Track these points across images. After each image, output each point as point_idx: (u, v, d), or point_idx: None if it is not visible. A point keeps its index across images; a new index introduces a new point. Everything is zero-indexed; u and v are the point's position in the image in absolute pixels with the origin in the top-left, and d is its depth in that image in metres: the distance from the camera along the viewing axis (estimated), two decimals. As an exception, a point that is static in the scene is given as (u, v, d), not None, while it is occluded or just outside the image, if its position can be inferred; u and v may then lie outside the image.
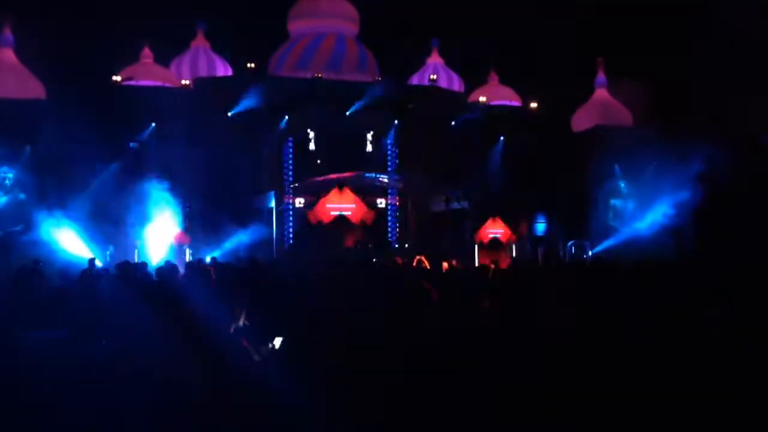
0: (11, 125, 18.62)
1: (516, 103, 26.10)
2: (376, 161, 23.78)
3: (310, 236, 22.04)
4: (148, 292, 10.10)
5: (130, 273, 11.77)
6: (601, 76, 26.13)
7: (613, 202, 23.69)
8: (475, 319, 6.47)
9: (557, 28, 24.94)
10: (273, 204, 22.42)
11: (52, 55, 20.46)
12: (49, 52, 20.63)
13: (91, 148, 18.02)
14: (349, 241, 22.44)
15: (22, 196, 19.38)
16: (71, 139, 17.68)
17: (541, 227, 23.98)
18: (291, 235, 22.57)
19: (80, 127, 17.66)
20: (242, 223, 19.85)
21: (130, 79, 21.78)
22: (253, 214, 21.39)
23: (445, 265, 14.52)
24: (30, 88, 20.58)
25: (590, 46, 25.00)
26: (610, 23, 24.42)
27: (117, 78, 21.55)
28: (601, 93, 26.09)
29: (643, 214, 21.89)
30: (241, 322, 7.78)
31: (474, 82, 26.48)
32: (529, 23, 24.56)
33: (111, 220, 19.05)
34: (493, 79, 26.62)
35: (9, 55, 21.38)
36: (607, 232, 22.62)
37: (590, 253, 21.62)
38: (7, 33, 21.45)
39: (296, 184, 22.86)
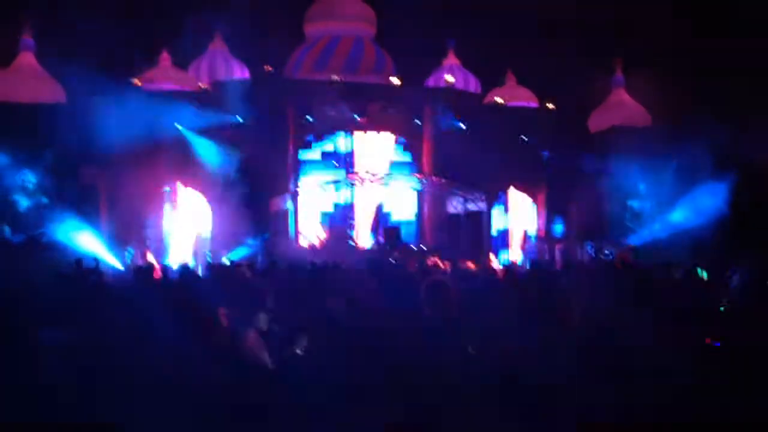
0: (32, 129, 18.84)
1: (533, 103, 26.03)
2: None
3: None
4: (164, 296, 10.14)
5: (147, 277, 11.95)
6: (618, 76, 26.03)
7: (630, 203, 23.58)
8: None
9: (575, 27, 24.86)
10: (290, 206, 22.53)
11: (72, 58, 20.64)
12: (68, 56, 20.81)
13: (111, 150, 18.22)
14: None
15: (43, 199, 19.59)
16: (91, 142, 17.90)
17: (558, 228, 23.93)
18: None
19: (100, 130, 17.89)
20: (261, 224, 19.99)
21: (149, 82, 21.95)
22: (272, 215, 21.50)
23: None
24: (50, 92, 20.81)
25: (608, 45, 24.89)
26: (627, 22, 24.30)
27: (136, 81, 21.72)
28: (618, 93, 25.98)
29: (662, 215, 21.75)
30: (263, 326, 7.84)
31: (491, 82, 26.42)
32: (546, 23, 24.50)
33: (132, 222, 19.27)
34: (510, 79, 26.55)
35: (30, 59, 21.64)
36: (626, 233, 22.52)
37: (607, 253, 21.50)
38: (28, 37, 21.72)
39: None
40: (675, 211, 21.08)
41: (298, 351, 5.84)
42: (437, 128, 23.60)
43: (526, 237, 24.42)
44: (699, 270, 8.91)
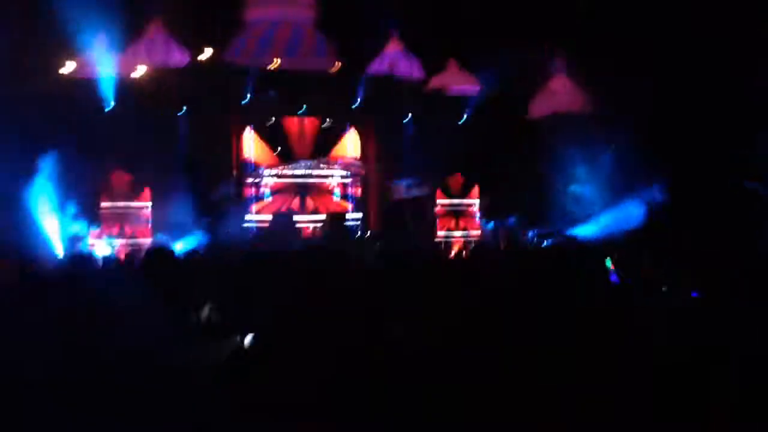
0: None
1: (475, 89, 26.15)
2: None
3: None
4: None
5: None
6: (557, 62, 26.29)
7: (572, 188, 23.98)
8: None
9: (517, 11, 25.02)
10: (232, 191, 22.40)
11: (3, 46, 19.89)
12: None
13: (41, 142, 17.76)
14: (307, 230, 22.60)
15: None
16: (23, 134, 17.36)
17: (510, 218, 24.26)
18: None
19: (32, 120, 17.37)
20: (203, 212, 19.79)
21: (81, 67, 21.30)
22: (214, 203, 21.26)
23: None
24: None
25: (549, 30, 25.09)
26: (569, 6, 24.54)
27: (67, 68, 21.04)
28: (558, 79, 26.26)
29: (602, 203, 22.13)
30: (204, 316, 7.69)
31: (433, 68, 26.39)
32: (489, 7, 24.59)
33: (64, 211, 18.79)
34: (452, 65, 26.58)
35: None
36: (568, 219, 22.88)
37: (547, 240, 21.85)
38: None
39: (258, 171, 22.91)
40: (612, 200, 21.38)
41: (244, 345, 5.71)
42: (379, 115, 23.68)
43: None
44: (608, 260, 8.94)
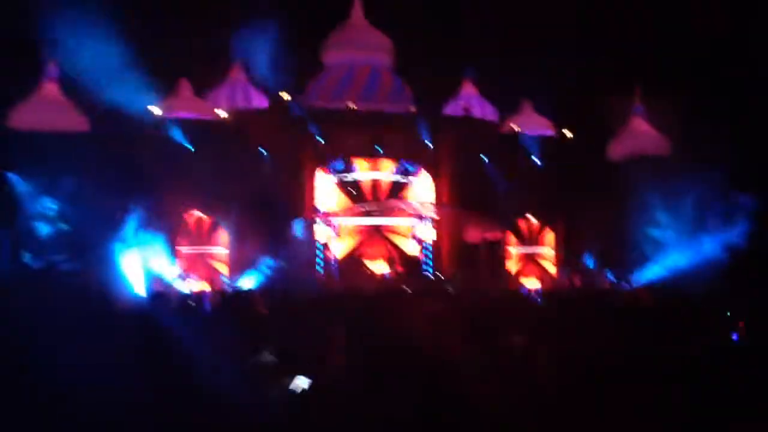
0: (55, 157, 19.16)
1: (550, 132, 25.99)
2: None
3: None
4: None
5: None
6: (637, 105, 25.93)
7: (650, 232, 23.36)
8: None
9: (593, 55, 24.89)
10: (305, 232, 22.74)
11: (94, 87, 21.03)
12: (91, 85, 21.22)
13: (129, 179, 18.55)
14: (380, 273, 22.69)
15: (64, 226, 19.89)
16: (112, 171, 18.20)
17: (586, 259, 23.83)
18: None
19: (120, 159, 18.21)
20: (277, 251, 20.15)
21: (168, 110, 22.27)
22: (288, 242, 21.64)
23: None
24: (73, 120, 21.17)
25: (627, 73, 24.86)
26: (647, 50, 24.28)
27: (155, 110, 22.02)
28: (637, 121, 25.88)
29: (682, 246, 21.47)
30: (268, 357, 7.82)
31: (508, 111, 26.45)
32: (564, 51, 24.55)
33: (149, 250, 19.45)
34: (527, 107, 26.56)
35: (53, 88, 22.07)
36: (645, 263, 22.27)
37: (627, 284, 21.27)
38: (52, 66, 22.14)
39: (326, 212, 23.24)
40: (692, 244, 20.74)
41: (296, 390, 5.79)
42: (453, 158, 23.72)
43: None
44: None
